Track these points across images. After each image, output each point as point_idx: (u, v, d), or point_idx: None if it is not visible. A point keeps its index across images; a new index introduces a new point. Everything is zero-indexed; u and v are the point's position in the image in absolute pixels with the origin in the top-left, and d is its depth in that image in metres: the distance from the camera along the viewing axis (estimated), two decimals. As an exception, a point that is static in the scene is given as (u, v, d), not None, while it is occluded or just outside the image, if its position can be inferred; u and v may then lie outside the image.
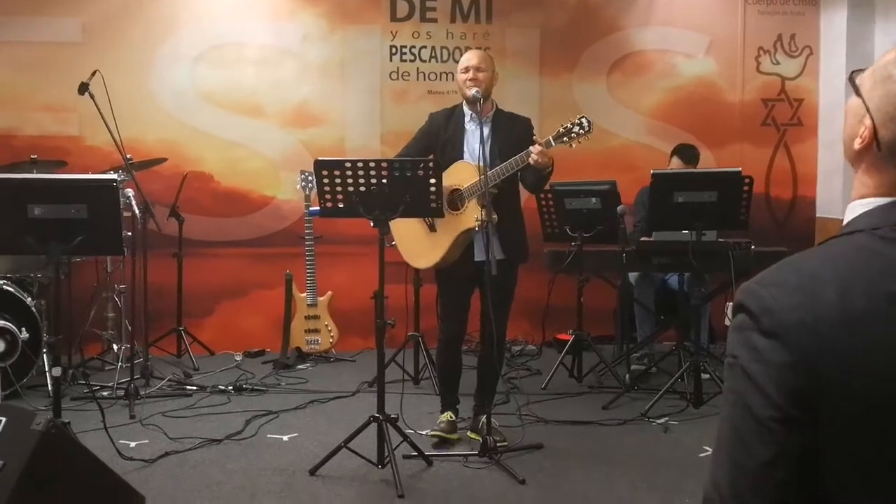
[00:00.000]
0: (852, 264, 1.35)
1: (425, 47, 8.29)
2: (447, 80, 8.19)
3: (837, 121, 8.57)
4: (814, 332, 1.30)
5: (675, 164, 7.40)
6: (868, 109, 1.45)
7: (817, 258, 1.39)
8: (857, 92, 1.48)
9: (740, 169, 6.43)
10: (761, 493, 1.32)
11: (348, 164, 4.98)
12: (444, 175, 5.16)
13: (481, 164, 5.08)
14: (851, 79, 1.49)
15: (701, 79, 8.71)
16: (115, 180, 4.74)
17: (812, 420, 1.29)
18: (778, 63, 8.80)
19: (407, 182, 4.97)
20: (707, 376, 6.46)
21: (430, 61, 8.30)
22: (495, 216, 5.15)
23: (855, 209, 1.47)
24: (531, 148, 5.16)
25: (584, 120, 5.19)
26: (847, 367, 1.28)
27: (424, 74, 8.30)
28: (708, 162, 8.55)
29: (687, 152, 7.46)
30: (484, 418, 5.34)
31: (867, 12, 8.48)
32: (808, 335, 1.30)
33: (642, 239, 6.86)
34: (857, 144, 1.47)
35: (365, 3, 8.23)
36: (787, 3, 8.76)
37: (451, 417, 5.69)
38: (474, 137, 5.37)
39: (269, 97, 8.14)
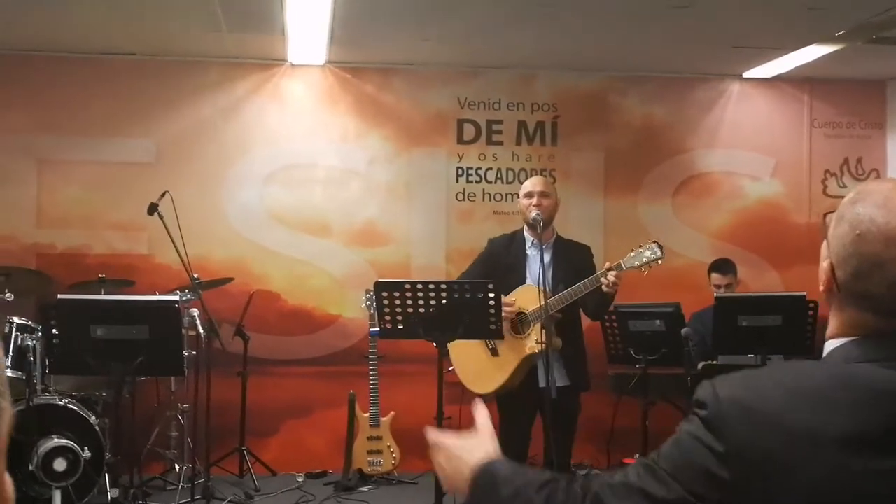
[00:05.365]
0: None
1: (491, 169, 8.38)
2: (512, 200, 8.22)
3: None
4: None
5: (717, 280, 7.35)
6: (829, 251, 1.41)
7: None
8: (825, 233, 1.44)
9: (805, 293, 6.35)
10: None
11: (408, 286, 4.99)
12: (511, 297, 5.14)
13: (545, 288, 5.06)
14: (824, 219, 1.49)
15: (767, 200, 8.66)
16: (176, 302, 4.81)
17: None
18: (845, 186, 8.71)
19: (466, 304, 4.96)
20: None
21: (495, 182, 8.37)
22: (559, 340, 5.11)
23: (826, 349, 1.47)
24: (607, 271, 5.09)
25: (655, 245, 5.14)
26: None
27: (490, 195, 8.36)
28: (774, 284, 8.44)
29: (724, 266, 7.44)
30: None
31: (934, 135, 8.42)
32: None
33: (707, 363, 6.74)
34: (821, 287, 1.44)
35: (432, 127, 8.36)
36: (854, 126, 8.73)
37: None
38: (536, 262, 5.33)
39: (336, 217, 8.23)
